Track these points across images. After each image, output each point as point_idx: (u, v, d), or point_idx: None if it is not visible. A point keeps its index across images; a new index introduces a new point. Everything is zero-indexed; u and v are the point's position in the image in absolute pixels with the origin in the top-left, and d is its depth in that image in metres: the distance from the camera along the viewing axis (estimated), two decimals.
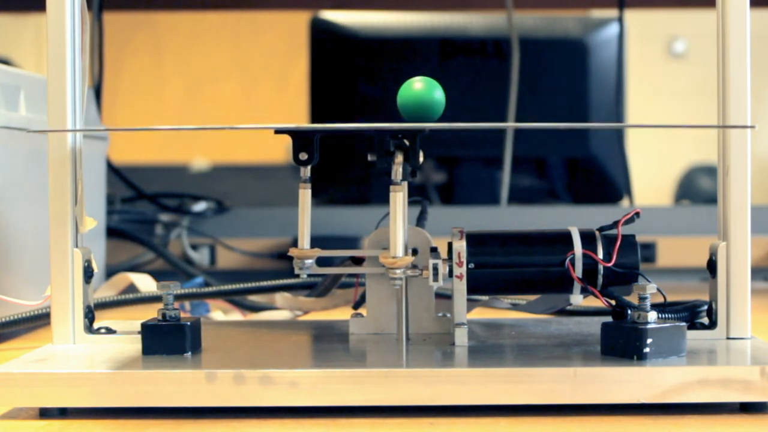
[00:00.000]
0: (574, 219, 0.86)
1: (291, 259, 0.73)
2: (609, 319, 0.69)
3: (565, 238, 0.71)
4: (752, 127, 0.66)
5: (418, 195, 0.82)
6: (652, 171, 3.56)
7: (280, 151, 3.67)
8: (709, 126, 0.64)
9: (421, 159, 0.71)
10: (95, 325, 0.73)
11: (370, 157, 0.71)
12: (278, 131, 0.72)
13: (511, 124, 0.66)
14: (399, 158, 0.70)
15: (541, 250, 0.71)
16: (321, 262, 0.73)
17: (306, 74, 1.68)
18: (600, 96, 1.66)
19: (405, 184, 0.71)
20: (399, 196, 0.70)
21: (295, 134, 0.72)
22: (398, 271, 0.70)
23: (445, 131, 0.85)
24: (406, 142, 0.70)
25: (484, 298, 0.83)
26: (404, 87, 0.70)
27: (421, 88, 0.70)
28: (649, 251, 1.42)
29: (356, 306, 0.84)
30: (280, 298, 0.95)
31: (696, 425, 0.60)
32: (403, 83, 0.71)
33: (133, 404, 0.62)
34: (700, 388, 0.62)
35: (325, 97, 1.67)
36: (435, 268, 0.70)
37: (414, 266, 0.72)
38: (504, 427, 0.60)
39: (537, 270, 0.71)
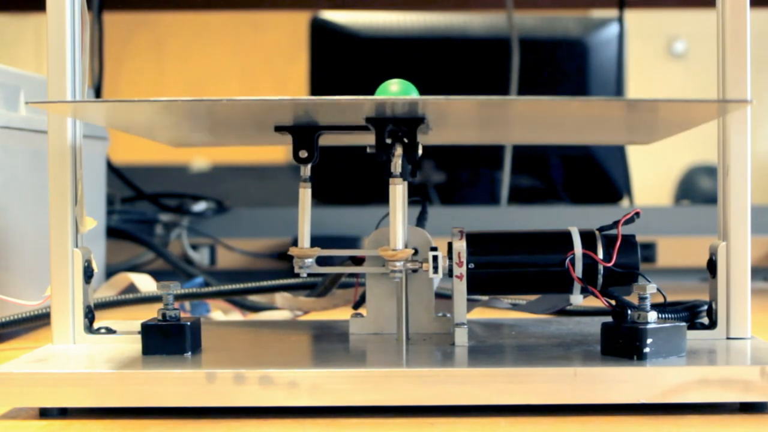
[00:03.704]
0: (574, 219, 0.86)
1: (291, 258, 0.73)
2: (609, 319, 0.69)
3: (565, 238, 0.71)
4: (750, 101, 0.65)
5: (418, 195, 0.83)
6: (652, 171, 3.56)
7: (280, 151, 3.66)
8: (709, 100, 0.63)
9: (420, 152, 0.71)
10: (95, 325, 0.73)
11: (369, 149, 0.71)
12: (278, 128, 0.72)
13: (511, 97, 0.66)
14: (398, 150, 0.69)
15: (541, 250, 0.71)
16: (321, 261, 0.73)
17: (306, 74, 1.68)
18: (600, 96, 1.66)
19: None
20: (398, 189, 0.70)
21: (296, 132, 0.72)
22: (398, 264, 0.70)
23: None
24: (406, 141, 0.70)
25: (484, 298, 0.83)
26: (381, 89, 0.70)
27: (397, 91, 0.70)
28: (649, 251, 1.42)
29: (356, 306, 0.84)
30: (280, 298, 0.95)
31: (696, 425, 0.60)
32: (379, 86, 0.71)
33: (133, 404, 0.62)
34: (700, 388, 0.62)
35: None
36: (435, 260, 0.70)
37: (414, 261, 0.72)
38: (504, 427, 0.60)
39: (537, 270, 0.71)
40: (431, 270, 0.70)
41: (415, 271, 0.72)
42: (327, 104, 0.64)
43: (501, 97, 0.64)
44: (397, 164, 0.70)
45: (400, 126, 0.69)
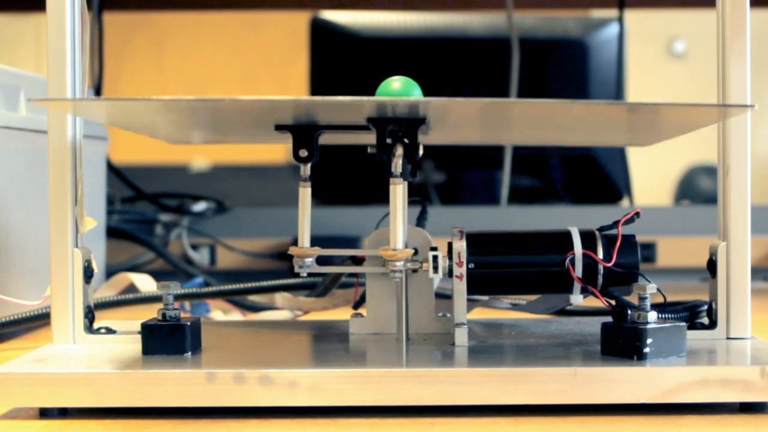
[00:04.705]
0: (574, 219, 0.86)
1: (291, 258, 0.73)
2: (609, 319, 0.69)
3: (565, 238, 0.71)
4: (752, 106, 0.65)
5: (418, 195, 0.83)
6: (652, 171, 3.56)
7: (280, 151, 3.67)
8: (710, 105, 0.63)
9: (420, 152, 0.71)
10: (95, 325, 0.73)
11: (369, 149, 0.71)
12: (278, 126, 0.72)
13: (512, 100, 0.66)
14: (399, 151, 0.69)
15: (541, 250, 0.71)
16: (321, 261, 0.73)
17: (306, 74, 1.68)
18: (600, 96, 1.66)
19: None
20: (399, 189, 0.70)
21: (296, 131, 0.72)
22: (398, 264, 0.70)
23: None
24: (406, 141, 0.70)
25: (484, 298, 0.83)
26: (383, 86, 0.70)
27: (399, 88, 0.70)
28: (649, 251, 1.42)
29: (356, 306, 0.84)
30: (280, 298, 0.95)
31: (696, 425, 0.60)
32: (380, 84, 0.70)
33: (133, 404, 0.62)
34: (700, 388, 0.62)
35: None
36: (435, 260, 0.70)
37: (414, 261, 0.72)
38: (504, 427, 0.60)
39: (537, 270, 0.71)
40: (431, 270, 0.70)
41: (415, 271, 0.72)
42: (329, 104, 0.64)
43: (503, 99, 0.64)
44: (397, 164, 0.70)
45: (401, 126, 0.69)
